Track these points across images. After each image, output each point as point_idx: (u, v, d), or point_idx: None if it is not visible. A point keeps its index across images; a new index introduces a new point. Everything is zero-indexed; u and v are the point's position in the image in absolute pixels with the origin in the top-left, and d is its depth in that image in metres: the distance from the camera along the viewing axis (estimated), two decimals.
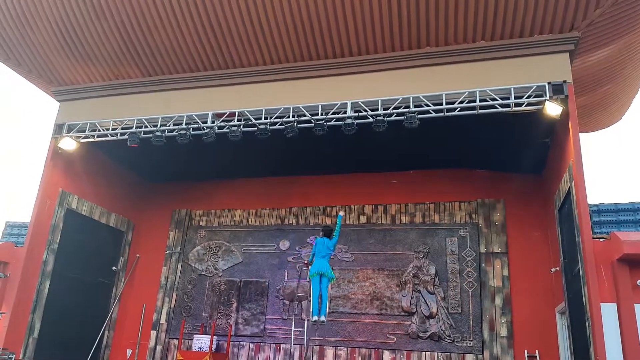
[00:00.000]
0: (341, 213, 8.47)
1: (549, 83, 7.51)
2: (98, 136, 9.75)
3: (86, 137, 9.86)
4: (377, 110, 7.99)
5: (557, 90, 7.49)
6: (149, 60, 9.46)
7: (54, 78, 10.24)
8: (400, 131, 7.87)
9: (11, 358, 8.68)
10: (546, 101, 7.40)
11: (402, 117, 7.72)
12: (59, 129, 10.07)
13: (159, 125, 9.15)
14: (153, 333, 11.53)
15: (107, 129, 9.65)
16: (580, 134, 7.52)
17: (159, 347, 11.38)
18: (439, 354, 9.84)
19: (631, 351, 6.56)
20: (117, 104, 9.91)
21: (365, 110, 8.08)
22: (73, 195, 10.53)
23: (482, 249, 10.28)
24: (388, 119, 7.87)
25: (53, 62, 9.89)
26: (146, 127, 9.28)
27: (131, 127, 9.37)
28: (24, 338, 9.34)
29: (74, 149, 10.02)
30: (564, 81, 7.52)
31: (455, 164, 10.53)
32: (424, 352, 9.93)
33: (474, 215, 10.59)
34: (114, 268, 11.59)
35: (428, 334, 10.00)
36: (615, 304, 6.84)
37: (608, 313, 6.70)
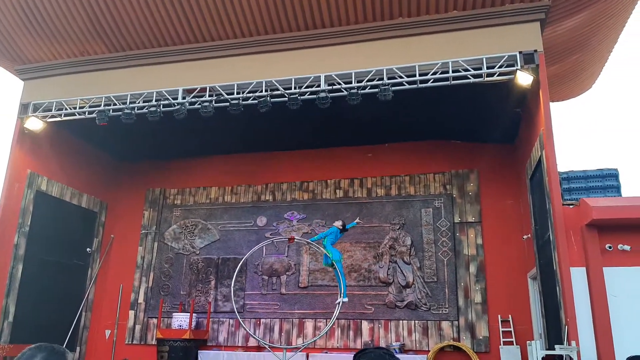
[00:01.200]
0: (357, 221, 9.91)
1: (520, 52, 7.57)
2: (65, 115, 9.46)
3: (53, 116, 9.55)
4: (350, 83, 7.94)
5: (528, 59, 7.56)
6: (115, 36, 9.16)
7: (17, 56, 9.83)
8: (374, 104, 7.85)
9: None
10: (517, 71, 7.47)
11: (376, 90, 7.69)
12: (24, 109, 9.71)
13: (127, 103, 8.92)
14: (131, 313, 11.48)
15: (75, 108, 9.34)
16: (550, 103, 7.65)
17: (137, 327, 11.36)
18: (416, 322, 10.08)
19: (600, 313, 6.84)
20: (84, 81, 9.59)
21: (339, 83, 8.02)
22: (42, 177, 10.25)
23: (457, 219, 10.46)
24: (362, 91, 7.83)
25: (15, 40, 9.47)
26: (115, 104, 9.03)
27: (99, 105, 9.10)
28: None
29: (40, 129, 9.71)
30: (535, 50, 7.58)
31: (429, 136, 10.61)
32: (401, 321, 10.16)
33: (448, 186, 10.73)
34: (88, 249, 11.42)
35: (405, 303, 10.21)
36: (585, 268, 7.10)
37: (577, 277, 6.94)
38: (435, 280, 10.22)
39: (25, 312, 9.62)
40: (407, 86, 7.72)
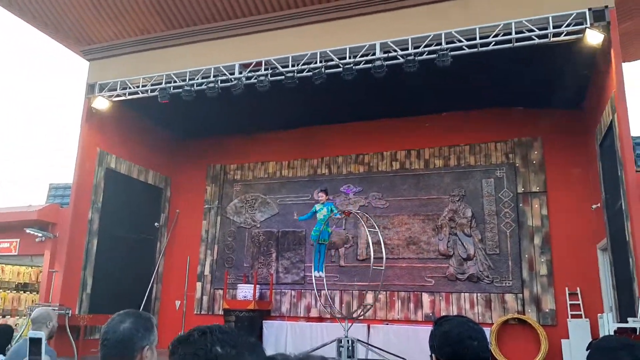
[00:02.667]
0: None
1: (589, 9, 7.05)
2: (129, 94, 9.80)
3: (118, 95, 9.91)
4: (407, 49, 7.72)
5: (598, 16, 7.04)
6: (173, 12, 9.35)
7: (82, 37, 10.23)
8: (431, 71, 7.62)
9: (68, 313, 9.15)
10: (586, 29, 6.98)
11: (434, 56, 7.42)
12: (90, 89, 10.17)
13: (187, 80, 9.13)
14: (198, 284, 11.98)
15: (138, 86, 9.66)
16: (622, 63, 7.12)
17: (205, 298, 11.86)
18: (478, 294, 9.90)
19: None
20: (145, 60, 9.90)
21: (395, 51, 7.82)
22: (111, 155, 10.79)
23: (520, 189, 10.08)
24: (419, 58, 7.59)
25: (80, 21, 9.86)
26: (175, 81, 9.28)
27: (160, 83, 9.38)
28: (78, 294, 9.84)
29: (107, 108, 10.13)
30: (606, 6, 7.03)
31: (490, 103, 10.16)
32: (462, 294, 10.01)
33: (510, 155, 10.31)
34: (156, 224, 11.98)
35: (466, 275, 10.04)
36: None
37: None
38: (498, 252, 9.96)
39: (101, 284, 10.20)
40: (467, 50, 7.41)
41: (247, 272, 11.55)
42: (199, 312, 11.80)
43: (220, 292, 11.59)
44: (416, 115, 10.83)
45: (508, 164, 10.29)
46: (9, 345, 4.09)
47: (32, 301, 12.45)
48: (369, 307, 9.81)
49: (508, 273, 9.84)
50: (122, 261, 10.82)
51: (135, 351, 1.82)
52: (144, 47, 9.97)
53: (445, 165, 10.75)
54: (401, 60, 7.69)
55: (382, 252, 9.17)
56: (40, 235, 10.05)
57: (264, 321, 10.64)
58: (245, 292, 10.73)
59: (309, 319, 10.82)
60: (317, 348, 8.45)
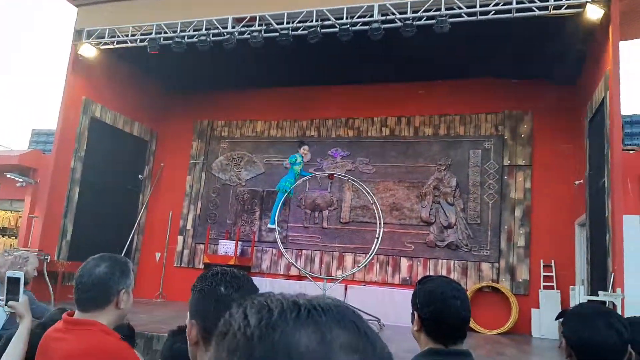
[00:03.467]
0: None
1: None
2: (117, 42, 9.54)
3: (106, 43, 9.65)
4: (405, 13, 7.59)
5: None
6: None
7: None
8: (429, 37, 7.52)
9: (46, 259, 9.12)
10: (587, 3, 6.93)
11: (433, 22, 7.32)
12: (78, 35, 9.84)
13: (178, 31, 8.89)
14: (180, 238, 12.01)
15: (127, 35, 9.40)
16: (620, 41, 7.12)
17: (186, 251, 11.92)
18: (455, 262, 10.13)
19: None
20: (135, 8, 9.58)
21: (394, 14, 7.68)
22: (96, 104, 10.55)
23: (506, 162, 10.19)
24: (417, 22, 7.47)
25: None
26: (166, 32, 9.02)
27: (151, 33, 9.12)
28: (57, 241, 9.81)
29: (94, 56, 9.86)
30: None
31: (484, 73, 10.09)
32: (440, 260, 10.24)
33: (500, 127, 10.38)
34: (139, 176, 11.87)
35: (445, 243, 10.25)
36: (639, 216, 6.86)
37: (630, 225, 6.75)
38: (479, 222, 10.15)
39: (82, 233, 10.16)
40: (466, 18, 7.32)
41: (230, 229, 11.60)
42: (179, 265, 11.88)
43: (202, 246, 11.65)
44: (409, 82, 10.75)
45: (497, 136, 10.37)
46: None
47: (11, 245, 12.35)
48: (357, 269, 10.00)
49: (486, 243, 10.06)
50: (104, 211, 10.76)
51: (111, 295, 1.78)
52: None
53: (435, 133, 10.77)
54: (399, 24, 7.57)
55: (378, 218, 9.22)
56: (20, 180, 9.92)
57: None
58: (227, 247, 10.83)
59: (288, 277, 10.99)
60: None
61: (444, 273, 10.10)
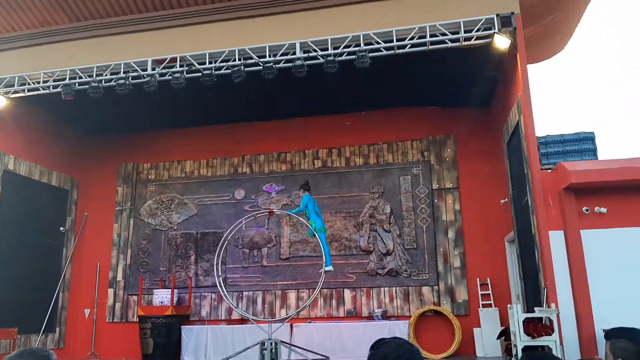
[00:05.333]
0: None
1: (497, 15, 7.43)
2: (29, 90, 8.97)
3: (16, 92, 9.05)
4: (327, 50, 7.71)
5: (506, 22, 7.44)
6: (76, 4, 8.65)
7: None
8: (351, 71, 7.67)
9: None
10: (495, 34, 7.37)
11: (354, 57, 7.48)
12: None
13: (94, 76, 8.50)
14: (110, 291, 11.32)
15: (39, 82, 8.85)
16: (527, 66, 7.59)
17: (118, 305, 11.23)
18: (397, 288, 10.21)
19: (578, 275, 6.99)
20: (46, 54, 9.08)
21: (315, 51, 7.78)
22: (8, 156, 9.84)
23: (435, 185, 10.52)
24: (339, 58, 7.60)
25: None
26: (81, 77, 8.60)
27: (64, 79, 8.64)
28: None
29: (4, 106, 9.23)
30: (512, 12, 7.46)
31: (406, 103, 10.50)
32: (382, 288, 10.28)
33: (425, 153, 10.74)
34: (61, 229, 11.11)
35: (386, 270, 10.32)
36: (563, 231, 7.22)
37: (556, 240, 7.05)
38: (415, 247, 10.32)
39: (3, 294, 9.38)
40: (385, 52, 7.54)
41: (164, 276, 11.07)
42: (111, 320, 11.19)
43: (135, 298, 11.03)
44: (337, 114, 10.95)
45: (424, 162, 10.70)
46: None
47: None
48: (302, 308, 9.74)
49: (425, 266, 10.22)
50: (26, 269, 9.99)
51: None
52: (44, 40, 9.12)
53: (366, 162, 10.96)
54: (321, 60, 7.67)
55: (322, 252, 9.06)
56: None
57: (182, 326, 10.28)
58: (162, 297, 10.30)
59: (230, 321, 10.61)
60: (239, 352, 8.25)
61: (386, 300, 10.15)
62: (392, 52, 7.54)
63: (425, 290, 10.08)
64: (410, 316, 9.89)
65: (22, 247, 9.98)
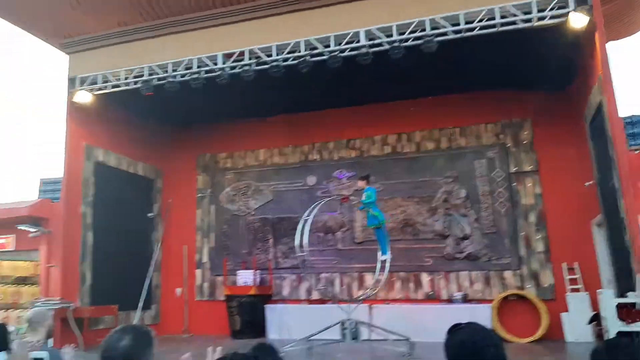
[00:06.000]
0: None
1: None
2: (111, 87, 9.56)
3: (100, 89, 9.67)
4: (392, 36, 7.51)
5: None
6: (151, 3, 9.06)
7: (59, 30, 9.86)
8: (418, 56, 7.43)
9: (70, 306, 9.22)
10: (570, 13, 6.77)
11: (420, 42, 7.24)
12: (72, 83, 9.87)
13: (170, 71, 8.93)
14: (198, 272, 12.02)
15: (119, 79, 9.43)
16: (607, 44, 6.93)
17: (205, 284, 11.93)
18: (477, 272, 9.96)
19: None
20: (126, 52, 9.59)
21: (380, 38, 7.61)
22: (98, 149, 10.57)
23: (512, 169, 10.05)
24: (404, 44, 7.39)
25: (57, 14, 9.48)
26: (158, 73, 9.06)
27: (143, 75, 9.15)
28: (78, 287, 9.81)
29: (90, 102, 9.87)
30: None
31: (477, 86, 9.95)
32: (461, 272, 10.06)
33: (501, 136, 10.25)
34: (149, 215, 11.92)
35: (464, 254, 10.10)
36: None
37: None
38: (495, 231, 10.00)
39: (101, 277, 10.15)
40: (452, 36, 7.21)
41: (246, 258, 11.58)
42: (200, 298, 11.89)
43: (220, 278, 11.65)
44: (405, 100, 10.66)
45: (499, 145, 10.23)
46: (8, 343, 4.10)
47: (33, 294, 12.58)
48: (369, 291, 9.80)
49: (505, 251, 9.90)
50: (120, 252, 10.73)
51: None
52: (124, 39, 9.65)
53: (437, 147, 10.67)
54: (387, 47, 7.49)
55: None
56: (33, 230, 10.03)
57: (265, 305, 10.72)
58: (245, 278, 10.81)
59: (310, 301, 10.89)
60: (321, 331, 8.51)
61: (466, 284, 9.95)
62: (459, 35, 7.18)
63: (507, 274, 9.77)
64: (491, 300, 9.63)
65: (116, 232, 10.74)
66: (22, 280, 13.28)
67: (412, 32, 7.38)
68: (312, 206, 9.48)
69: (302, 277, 11.05)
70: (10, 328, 4.51)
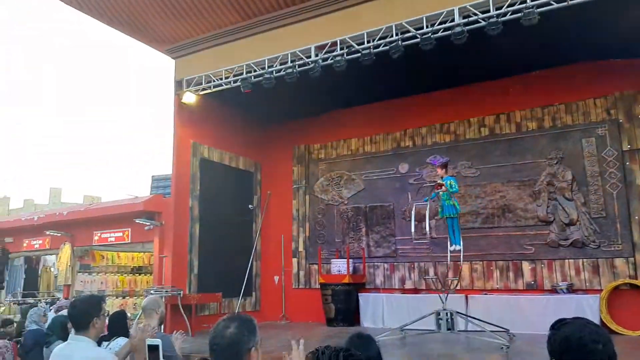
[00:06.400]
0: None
1: None
2: (214, 86, 10.19)
3: (204, 89, 10.38)
4: (488, 11, 7.24)
5: None
6: (245, 3, 9.47)
7: (164, 37, 10.67)
8: (517, 31, 7.10)
9: (179, 294, 9.95)
10: None
11: (519, 15, 6.90)
12: (178, 85, 10.67)
13: (266, 67, 9.30)
14: (294, 260, 12.44)
15: (221, 79, 10.02)
16: None
17: (301, 272, 12.32)
18: (584, 260, 9.34)
19: None
20: (225, 52, 10.17)
21: (475, 14, 7.37)
22: (203, 145, 11.37)
23: (626, 147, 9.24)
24: (502, 19, 7.10)
25: (161, 22, 10.29)
26: (255, 70, 9.48)
27: (242, 73, 9.64)
28: (187, 275, 10.61)
29: (195, 102, 10.63)
30: None
31: (584, 57, 9.30)
32: (566, 260, 9.50)
33: (612, 111, 9.45)
34: (250, 206, 12.54)
35: (570, 241, 9.51)
36: None
37: None
38: (604, 215, 9.29)
39: (207, 266, 10.90)
40: (556, 5, 6.79)
41: (339, 247, 11.78)
42: (297, 286, 12.29)
43: (315, 266, 11.96)
44: (502, 78, 10.22)
45: (610, 121, 9.46)
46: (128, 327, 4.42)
47: (147, 283, 13.70)
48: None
49: (617, 237, 9.17)
50: (223, 242, 11.45)
51: (243, 354, 1.96)
52: (222, 40, 10.25)
53: (540, 127, 10.09)
54: (483, 23, 7.23)
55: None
56: (148, 224, 10.93)
57: (359, 294, 10.85)
58: (339, 266, 11.00)
59: (404, 290, 10.86)
60: (416, 320, 8.47)
61: (572, 273, 9.39)
62: (564, 4, 6.76)
63: (619, 262, 9.05)
64: (600, 290, 9.00)
65: (220, 223, 11.47)
66: (137, 270, 14.55)
67: (510, 5, 7.05)
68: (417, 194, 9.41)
69: (395, 266, 11.05)
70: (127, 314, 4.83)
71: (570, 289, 9.23)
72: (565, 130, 9.85)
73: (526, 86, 10.15)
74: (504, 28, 7.13)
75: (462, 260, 8.73)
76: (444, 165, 8.75)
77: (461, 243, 8.50)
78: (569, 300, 8.88)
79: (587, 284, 9.24)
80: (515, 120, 10.35)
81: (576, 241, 9.43)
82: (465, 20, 7.44)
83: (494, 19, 7.09)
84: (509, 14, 7.11)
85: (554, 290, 9.36)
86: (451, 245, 8.61)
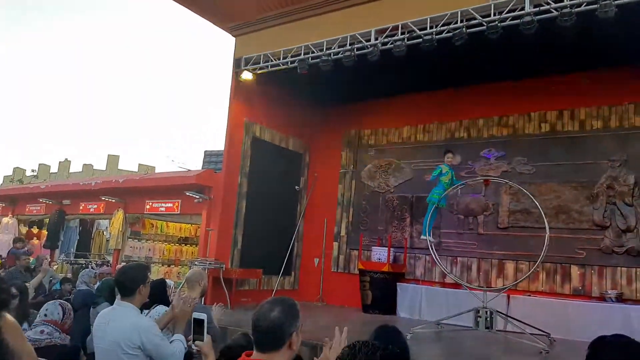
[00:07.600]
0: None
1: None
2: (271, 66, 10.24)
3: (261, 68, 10.43)
4: (562, 1, 6.92)
5: None
6: None
7: (228, 14, 10.80)
8: (590, 23, 6.76)
9: (222, 267, 10.19)
10: None
11: (595, 6, 6.57)
12: (237, 63, 10.78)
13: (324, 49, 9.26)
14: (335, 244, 12.48)
15: (279, 59, 10.07)
16: None
17: (341, 257, 12.35)
18: (638, 270, 8.92)
19: None
20: (284, 32, 10.19)
21: (548, 3, 7.06)
22: (256, 124, 11.50)
23: None
24: (577, 9, 6.78)
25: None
26: (313, 52, 9.46)
27: (299, 54, 9.64)
28: (230, 250, 10.85)
29: (252, 81, 10.72)
30: None
31: None
32: (619, 268, 9.10)
33: None
34: (296, 187, 12.64)
35: (625, 249, 9.10)
36: None
37: None
38: None
39: (250, 242, 11.12)
40: None
41: (381, 235, 11.71)
42: (335, 270, 12.36)
43: (356, 252, 11.96)
44: (570, 73, 9.77)
45: None
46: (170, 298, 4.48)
47: (192, 253, 14.10)
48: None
49: None
50: (268, 221, 11.62)
51: (285, 337, 2.01)
52: (283, 20, 10.26)
53: (605, 126, 9.62)
54: (555, 13, 6.93)
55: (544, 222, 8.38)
56: (197, 197, 11.20)
57: (398, 284, 10.78)
58: (380, 254, 10.95)
59: (444, 284, 10.71)
60: (453, 316, 8.36)
61: (623, 282, 8.99)
62: None
63: None
64: None
65: (266, 202, 11.62)
66: (184, 241, 15.01)
67: None
68: (452, 188, 9.27)
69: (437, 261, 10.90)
70: (169, 282, 4.90)
71: (620, 298, 8.85)
72: (632, 131, 9.35)
73: (595, 82, 9.64)
74: (577, 20, 6.82)
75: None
76: (451, 151, 9.03)
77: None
78: (617, 309, 8.51)
79: (638, 294, 8.84)
80: (580, 118, 9.91)
81: (631, 249, 9.02)
82: (536, 9, 7.14)
83: (567, 10, 6.78)
84: (584, 4, 6.78)
85: (602, 298, 9.01)
86: (424, 235, 8.85)
